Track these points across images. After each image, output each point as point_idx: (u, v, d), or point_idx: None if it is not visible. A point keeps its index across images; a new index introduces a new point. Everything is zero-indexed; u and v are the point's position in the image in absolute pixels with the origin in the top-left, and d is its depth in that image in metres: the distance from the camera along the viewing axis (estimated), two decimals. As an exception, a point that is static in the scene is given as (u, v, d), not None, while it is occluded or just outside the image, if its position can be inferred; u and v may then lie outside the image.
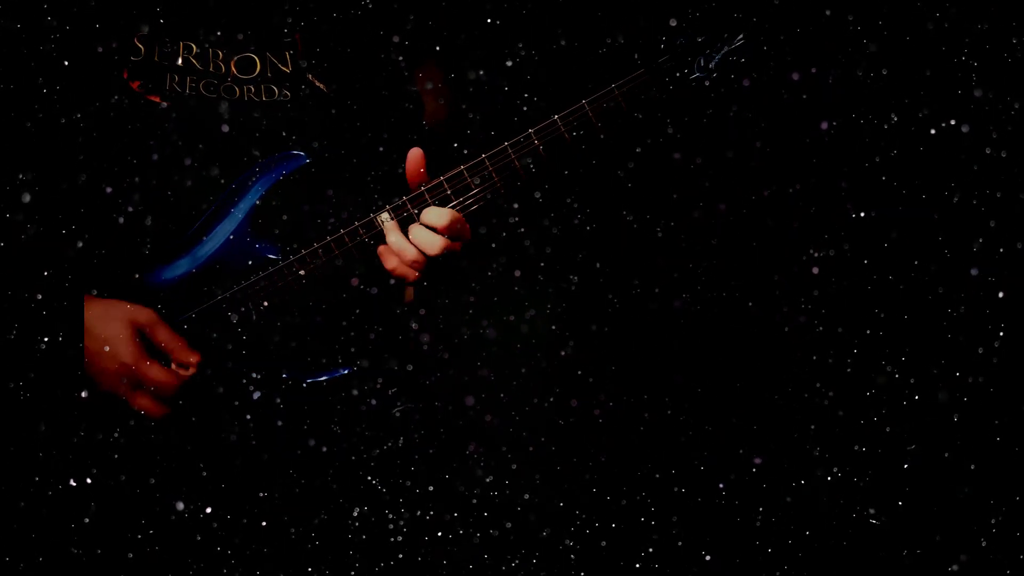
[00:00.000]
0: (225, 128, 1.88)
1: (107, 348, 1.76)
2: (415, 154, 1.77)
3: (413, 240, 1.76)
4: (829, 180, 2.38)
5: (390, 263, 1.78)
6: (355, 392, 1.98)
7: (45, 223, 1.81)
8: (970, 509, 2.25)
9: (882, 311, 2.36)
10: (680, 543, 2.45)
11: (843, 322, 2.42)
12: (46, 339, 1.67)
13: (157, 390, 1.79)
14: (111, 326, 1.77)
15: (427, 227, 1.76)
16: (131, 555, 1.84)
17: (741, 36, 1.68)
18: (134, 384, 1.78)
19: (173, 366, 1.82)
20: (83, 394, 1.77)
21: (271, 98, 1.90)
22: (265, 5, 1.89)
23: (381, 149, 1.98)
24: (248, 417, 1.89)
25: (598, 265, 2.58)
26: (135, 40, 1.84)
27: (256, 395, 1.88)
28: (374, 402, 2.00)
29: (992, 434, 2.25)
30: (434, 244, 1.75)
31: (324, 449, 1.97)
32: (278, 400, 1.89)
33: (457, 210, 1.77)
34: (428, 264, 1.77)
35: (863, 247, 2.37)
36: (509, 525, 2.29)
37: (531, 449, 2.34)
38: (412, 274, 1.78)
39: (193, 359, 1.82)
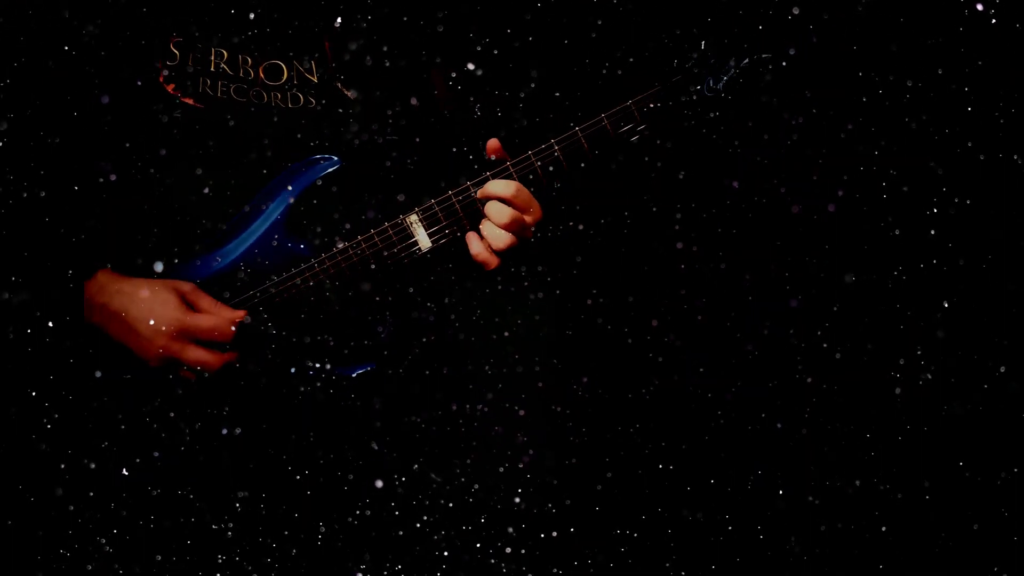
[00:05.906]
0: (255, 132, 1.95)
1: (154, 318, 1.82)
2: (493, 143, 1.90)
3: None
4: (830, 191, 2.48)
5: (474, 247, 1.89)
6: (376, 388, 2.05)
7: (78, 219, 1.88)
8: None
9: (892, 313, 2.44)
10: (680, 543, 2.50)
11: (843, 324, 2.50)
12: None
13: (211, 339, 1.85)
14: (159, 294, 1.84)
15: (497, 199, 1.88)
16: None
17: (746, 58, 1.81)
18: (187, 338, 1.84)
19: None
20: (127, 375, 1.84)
21: (297, 105, 1.97)
22: (293, 13, 1.95)
23: (407, 152, 2.07)
24: (272, 410, 1.96)
25: (608, 268, 2.66)
26: (171, 45, 1.91)
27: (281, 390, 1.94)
28: (391, 400, 2.07)
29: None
30: (503, 213, 1.86)
31: (339, 445, 2.04)
32: (301, 394, 1.96)
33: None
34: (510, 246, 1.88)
35: (863, 245, 2.46)
36: (512, 528, 2.34)
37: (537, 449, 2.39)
38: (495, 260, 1.89)
39: (239, 316, 1.88)
